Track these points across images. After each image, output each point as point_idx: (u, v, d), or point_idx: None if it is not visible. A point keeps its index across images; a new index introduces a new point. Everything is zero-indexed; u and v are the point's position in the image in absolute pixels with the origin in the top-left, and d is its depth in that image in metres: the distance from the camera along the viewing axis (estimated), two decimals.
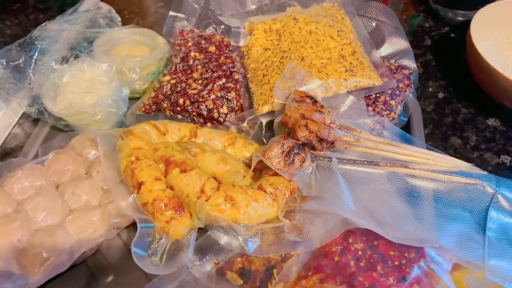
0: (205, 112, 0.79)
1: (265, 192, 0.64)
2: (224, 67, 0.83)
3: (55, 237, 0.57)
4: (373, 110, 0.79)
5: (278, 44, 0.84)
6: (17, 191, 0.62)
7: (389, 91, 0.80)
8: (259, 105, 0.79)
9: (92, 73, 0.78)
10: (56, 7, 1.13)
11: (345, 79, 0.78)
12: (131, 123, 0.81)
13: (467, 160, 0.77)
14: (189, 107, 0.80)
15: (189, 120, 0.81)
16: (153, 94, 0.82)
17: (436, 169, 0.71)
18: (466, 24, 1.03)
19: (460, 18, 1.06)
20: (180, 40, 0.88)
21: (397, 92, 0.81)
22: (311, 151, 0.69)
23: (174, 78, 0.82)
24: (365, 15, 0.92)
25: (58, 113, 0.75)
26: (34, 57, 0.77)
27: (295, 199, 0.68)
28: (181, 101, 0.80)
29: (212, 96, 0.80)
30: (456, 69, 0.97)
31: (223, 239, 0.63)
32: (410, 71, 0.86)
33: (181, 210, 0.60)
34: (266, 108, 0.78)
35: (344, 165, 0.70)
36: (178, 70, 0.83)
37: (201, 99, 0.80)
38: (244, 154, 0.74)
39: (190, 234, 0.61)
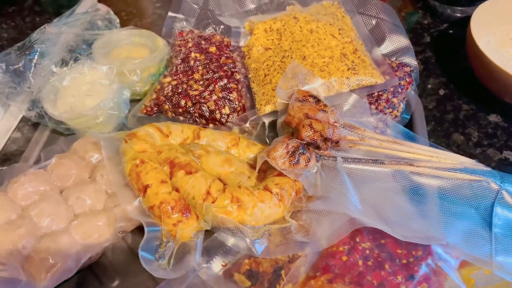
0: (207, 113, 0.79)
1: (271, 192, 0.64)
2: (225, 68, 0.83)
3: (61, 242, 0.57)
4: (376, 108, 0.79)
5: (279, 44, 0.84)
6: (21, 196, 0.61)
7: (391, 89, 0.80)
8: (261, 105, 0.78)
9: (93, 75, 0.77)
10: (52, 10, 1.12)
11: (348, 78, 0.78)
12: (132, 125, 0.80)
13: (470, 156, 0.77)
14: (191, 109, 0.79)
15: (191, 122, 0.80)
16: (154, 96, 0.81)
17: (441, 166, 0.71)
18: (465, 20, 1.04)
19: (459, 15, 1.07)
20: (180, 40, 0.88)
21: (399, 90, 0.81)
22: (316, 150, 0.69)
23: (175, 80, 0.81)
24: (365, 13, 0.92)
25: (58, 116, 0.75)
26: (34, 60, 0.76)
27: (300, 199, 0.68)
28: (182, 102, 0.79)
29: (214, 97, 0.79)
30: (456, 66, 0.97)
31: (230, 241, 0.63)
32: (411, 69, 0.86)
33: (188, 213, 0.60)
34: (268, 108, 0.78)
35: (349, 164, 0.70)
36: (179, 71, 0.82)
37: (202, 100, 0.79)
38: (248, 155, 0.74)
39: (197, 237, 0.61)
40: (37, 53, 0.76)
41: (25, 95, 0.78)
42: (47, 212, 0.59)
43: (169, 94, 0.80)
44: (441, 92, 0.92)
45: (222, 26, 0.93)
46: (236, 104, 0.80)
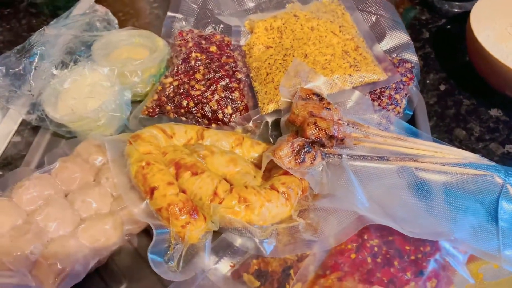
0: (210, 113, 0.78)
1: (278, 192, 0.64)
2: (226, 67, 0.82)
3: (69, 247, 0.56)
4: (379, 105, 0.79)
5: (280, 42, 0.84)
6: (25, 201, 0.60)
7: (393, 85, 0.80)
8: (264, 104, 0.78)
9: (94, 77, 0.76)
10: (48, 11, 1.11)
11: (350, 75, 0.78)
12: (134, 127, 0.80)
13: (473, 151, 0.77)
14: (193, 109, 0.79)
15: (194, 122, 0.80)
16: (155, 96, 0.81)
17: (445, 161, 0.71)
18: (463, 15, 1.04)
19: (456, 10, 1.07)
20: (180, 40, 0.87)
21: (401, 86, 0.81)
22: (321, 148, 0.69)
23: (176, 80, 0.81)
24: (365, 10, 0.92)
25: (60, 119, 0.74)
26: (34, 63, 0.75)
27: (306, 197, 0.67)
28: (184, 103, 0.79)
29: (216, 97, 0.79)
30: (456, 61, 0.98)
31: (238, 241, 0.63)
32: (412, 65, 0.86)
33: (196, 214, 0.59)
34: (271, 107, 0.77)
35: (354, 162, 0.69)
36: (180, 72, 0.82)
37: (205, 100, 0.79)
38: (252, 154, 0.73)
39: (206, 238, 0.60)
40: (37, 56, 0.75)
41: (26, 99, 0.77)
42: (53, 216, 0.59)
43: (171, 94, 0.80)
44: (442, 87, 0.92)
45: (221, 25, 0.92)
46: (238, 104, 0.80)
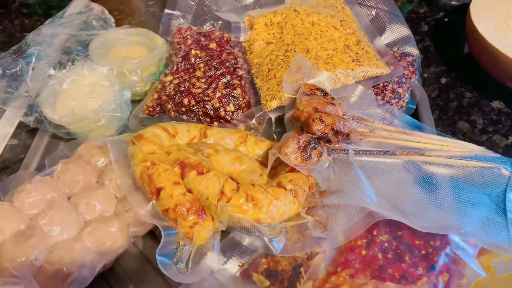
0: (212, 111, 0.77)
1: (285, 189, 0.63)
2: (227, 64, 0.81)
3: (74, 251, 0.55)
4: (382, 99, 0.78)
5: (280, 37, 0.83)
6: (28, 205, 0.58)
7: (396, 79, 0.80)
8: (267, 100, 0.77)
9: (93, 77, 0.75)
10: (41, 11, 1.09)
11: (353, 69, 0.77)
12: (134, 127, 0.79)
13: (477, 143, 0.77)
14: (195, 107, 0.77)
15: (195, 121, 0.78)
16: (156, 95, 0.79)
17: (451, 154, 0.71)
18: (461, 8, 1.04)
19: (454, 3, 1.06)
20: (179, 38, 0.86)
21: (403, 80, 0.81)
22: (327, 144, 0.68)
23: (176, 78, 0.79)
24: (364, 4, 0.91)
25: (59, 121, 0.72)
26: (31, 64, 0.73)
27: (313, 194, 0.67)
28: (186, 101, 0.77)
29: (218, 94, 0.78)
30: (455, 53, 0.97)
31: (246, 240, 0.62)
32: (414, 58, 0.85)
33: (204, 214, 0.58)
34: (274, 103, 0.76)
35: (360, 157, 0.69)
36: (180, 69, 0.80)
37: (206, 98, 0.77)
38: (256, 152, 0.72)
39: (214, 238, 0.59)
40: (34, 56, 0.73)
41: (23, 100, 0.75)
42: (57, 220, 0.57)
43: (172, 93, 0.78)
44: (443, 80, 0.92)
45: (220, 22, 0.91)
46: (240, 101, 0.78)
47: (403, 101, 0.80)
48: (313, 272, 0.59)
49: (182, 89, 0.78)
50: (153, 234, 0.65)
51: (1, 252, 0.53)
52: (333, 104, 0.71)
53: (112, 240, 0.58)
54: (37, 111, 0.74)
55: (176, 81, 0.79)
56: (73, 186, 0.63)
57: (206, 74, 0.79)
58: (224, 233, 0.62)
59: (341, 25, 0.82)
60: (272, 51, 0.81)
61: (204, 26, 0.92)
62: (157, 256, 0.55)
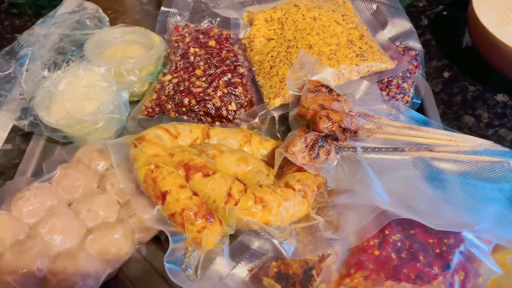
0: (213, 111, 0.75)
1: (294, 189, 0.61)
2: (227, 62, 0.79)
3: (78, 261, 0.52)
4: (387, 94, 0.76)
5: (281, 33, 0.81)
6: (26, 213, 0.56)
7: (401, 74, 0.78)
8: (270, 98, 0.75)
9: (89, 78, 0.72)
10: (31, 11, 1.06)
11: (357, 65, 0.75)
12: (133, 128, 0.76)
13: (483, 137, 0.75)
14: (195, 107, 0.75)
15: (196, 121, 0.76)
16: (154, 96, 0.77)
17: (460, 150, 0.69)
18: (460, 1, 1.02)
19: None
20: (177, 36, 0.83)
21: (408, 75, 0.79)
22: (334, 142, 0.66)
23: (176, 77, 0.77)
24: None
25: (55, 124, 0.69)
26: (25, 65, 0.70)
27: (322, 194, 0.65)
28: (186, 101, 0.75)
29: (219, 93, 0.75)
30: (457, 47, 0.96)
31: (255, 244, 0.60)
32: (417, 52, 0.84)
33: (212, 218, 0.56)
34: (278, 101, 0.74)
35: (369, 154, 0.67)
36: (179, 68, 0.78)
37: (207, 97, 0.75)
38: (261, 152, 0.70)
39: (223, 242, 0.57)
40: (28, 57, 0.70)
41: (17, 103, 0.72)
42: (58, 228, 0.54)
43: (171, 92, 0.76)
44: (446, 74, 0.91)
45: (218, 19, 0.89)
46: (242, 100, 0.76)
47: (409, 96, 0.78)
48: (326, 274, 0.58)
49: (182, 88, 0.76)
50: (156, 239, 0.63)
51: (1, 265, 0.50)
52: (339, 100, 0.69)
53: (117, 248, 0.55)
54: (32, 114, 0.71)
55: (175, 81, 0.77)
56: (74, 192, 0.60)
57: (206, 73, 0.77)
58: (232, 237, 0.60)
59: (343, 20, 0.81)
60: (274, 47, 0.79)
61: (202, 23, 0.89)
62: (165, 263, 0.53)
